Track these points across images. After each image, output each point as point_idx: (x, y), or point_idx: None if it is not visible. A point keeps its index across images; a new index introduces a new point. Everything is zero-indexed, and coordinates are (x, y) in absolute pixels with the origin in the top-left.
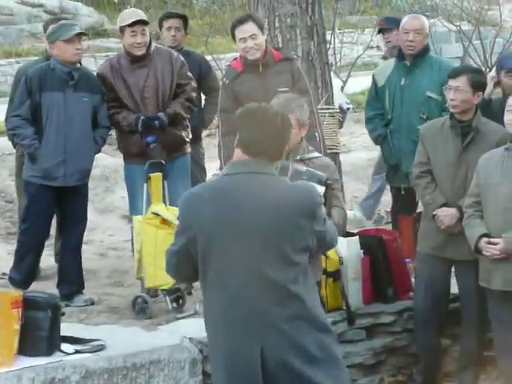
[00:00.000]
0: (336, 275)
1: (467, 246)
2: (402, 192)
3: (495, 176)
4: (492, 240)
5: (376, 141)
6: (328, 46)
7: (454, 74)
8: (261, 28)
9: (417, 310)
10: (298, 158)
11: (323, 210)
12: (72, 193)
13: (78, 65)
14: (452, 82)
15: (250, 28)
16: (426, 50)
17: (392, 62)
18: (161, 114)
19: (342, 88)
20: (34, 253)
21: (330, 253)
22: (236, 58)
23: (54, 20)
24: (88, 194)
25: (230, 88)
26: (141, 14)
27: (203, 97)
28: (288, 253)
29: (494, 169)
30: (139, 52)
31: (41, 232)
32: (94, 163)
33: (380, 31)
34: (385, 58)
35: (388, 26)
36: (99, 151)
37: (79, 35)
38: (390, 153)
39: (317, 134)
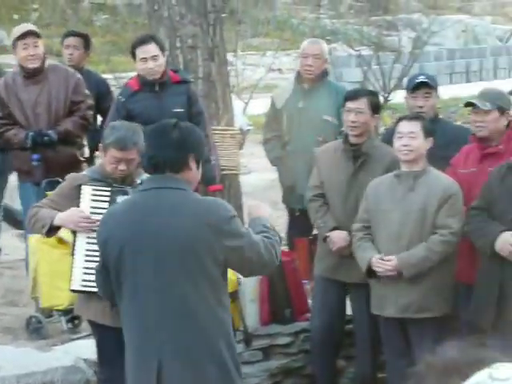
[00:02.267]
0: (234, 296)
1: (359, 270)
2: (297, 213)
3: (385, 202)
4: (385, 257)
5: (273, 162)
6: (230, 67)
7: (354, 95)
8: (162, 49)
9: (313, 331)
10: (139, 181)
11: (239, 225)
12: None
13: None
14: (352, 104)
15: (151, 49)
16: (324, 74)
17: (291, 84)
18: (50, 131)
19: (244, 109)
20: None
21: (230, 273)
22: (133, 78)
23: None
24: None
25: (124, 106)
26: (31, 27)
27: (100, 118)
28: (192, 267)
29: (384, 195)
30: (32, 65)
31: None
32: None
33: None
34: None
35: None
36: None
37: None
38: (285, 174)
39: (212, 157)
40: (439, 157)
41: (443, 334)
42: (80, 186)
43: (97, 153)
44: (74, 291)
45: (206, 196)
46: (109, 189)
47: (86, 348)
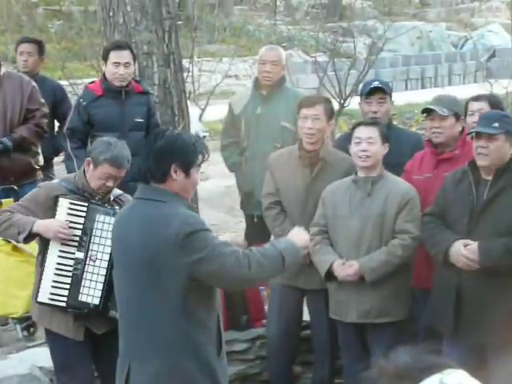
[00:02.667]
0: None
1: (318, 276)
2: (255, 220)
3: (343, 208)
4: (347, 262)
5: (230, 168)
6: (186, 74)
7: (310, 103)
8: (134, 58)
9: (270, 337)
10: (112, 198)
11: (201, 240)
12: None
13: None
14: (308, 111)
15: (126, 55)
16: (282, 80)
17: (249, 91)
18: (4, 139)
19: (201, 116)
20: None
21: None
22: (93, 81)
23: None
24: None
25: (85, 110)
26: None
27: (57, 124)
28: (152, 281)
29: (341, 200)
30: None
31: None
32: None
33: None
34: None
35: None
36: None
37: None
38: (243, 180)
39: None
40: (393, 163)
41: (401, 339)
42: (57, 197)
43: (55, 159)
44: (40, 303)
45: None
46: (86, 204)
47: (41, 356)
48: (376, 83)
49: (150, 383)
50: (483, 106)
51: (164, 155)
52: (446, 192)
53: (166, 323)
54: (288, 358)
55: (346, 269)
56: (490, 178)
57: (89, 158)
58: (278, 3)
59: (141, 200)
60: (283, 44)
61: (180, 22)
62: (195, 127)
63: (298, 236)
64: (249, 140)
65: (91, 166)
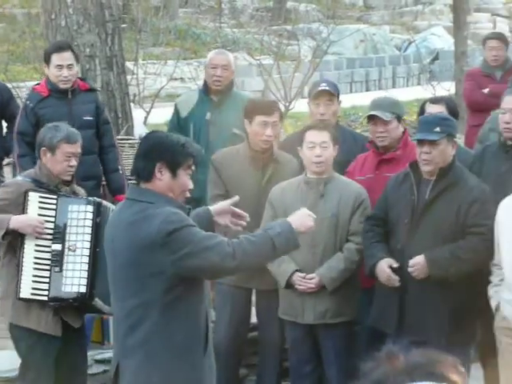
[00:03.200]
0: None
1: (271, 276)
2: None
3: (295, 209)
4: (308, 275)
5: None
6: (131, 76)
7: (270, 110)
8: (76, 58)
9: (218, 344)
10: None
11: (182, 237)
12: None
13: None
14: (268, 119)
15: (68, 57)
16: (231, 85)
17: (195, 93)
18: None
19: (146, 119)
20: None
21: None
22: (39, 83)
23: None
24: None
25: (32, 111)
26: None
27: (4, 124)
28: (135, 282)
29: (293, 202)
30: None
31: None
32: None
33: None
34: None
35: None
36: None
37: None
38: (194, 185)
39: (119, 166)
40: (339, 163)
41: (351, 338)
42: (27, 191)
43: (5, 160)
44: (21, 299)
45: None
46: (55, 196)
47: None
48: (323, 85)
49: (132, 377)
50: (441, 110)
51: (150, 154)
52: (389, 193)
53: (147, 319)
54: (235, 362)
55: (306, 283)
56: (432, 178)
57: (43, 148)
58: (223, 6)
59: (130, 201)
60: (228, 47)
61: (124, 25)
62: (139, 130)
63: (302, 221)
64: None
65: (48, 155)
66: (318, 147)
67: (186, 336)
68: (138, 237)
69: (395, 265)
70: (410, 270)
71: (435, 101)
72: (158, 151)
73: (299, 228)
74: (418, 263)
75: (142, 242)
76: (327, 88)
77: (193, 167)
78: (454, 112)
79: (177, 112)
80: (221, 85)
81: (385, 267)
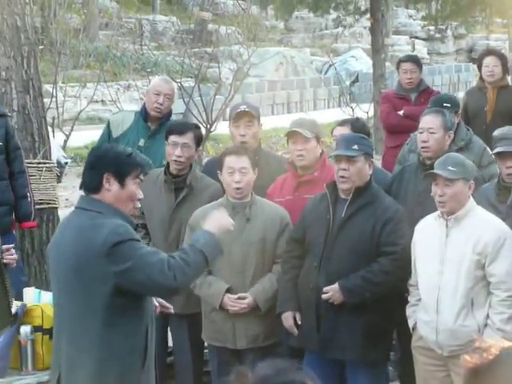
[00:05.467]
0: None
1: (182, 300)
2: None
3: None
4: (241, 295)
5: None
6: (50, 99)
7: (181, 130)
8: None
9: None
10: None
11: (126, 250)
12: None
13: None
14: (179, 139)
15: None
16: (169, 114)
17: (130, 115)
18: None
19: (65, 142)
20: None
21: (47, 309)
22: None
23: None
24: None
25: None
26: None
27: None
28: (77, 290)
29: None
30: None
31: None
32: None
33: None
34: None
35: None
36: None
37: None
38: None
39: (28, 193)
40: (263, 188)
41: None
42: None
43: None
44: None
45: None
46: None
47: None
48: (243, 107)
49: None
50: (346, 131)
51: (97, 165)
52: (306, 214)
53: (90, 331)
54: None
55: (239, 304)
56: (348, 197)
57: None
58: (144, 28)
59: (79, 210)
60: (148, 69)
61: (42, 47)
62: (56, 154)
63: (216, 224)
64: None
65: None
66: (238, 173)
67: (128, 350)
68: (85, 244)
69: (299, 321)
70: (324, 296)
71: (341, 123)
72: (105, 162)
73: (218, 231)
74: (332, 291)
75: (87, 249)
76: (247, 109)
77: (141, 177)
78: (361, 133)
79: (109, 131)
80: (161, 113)
81: (289, 319)
